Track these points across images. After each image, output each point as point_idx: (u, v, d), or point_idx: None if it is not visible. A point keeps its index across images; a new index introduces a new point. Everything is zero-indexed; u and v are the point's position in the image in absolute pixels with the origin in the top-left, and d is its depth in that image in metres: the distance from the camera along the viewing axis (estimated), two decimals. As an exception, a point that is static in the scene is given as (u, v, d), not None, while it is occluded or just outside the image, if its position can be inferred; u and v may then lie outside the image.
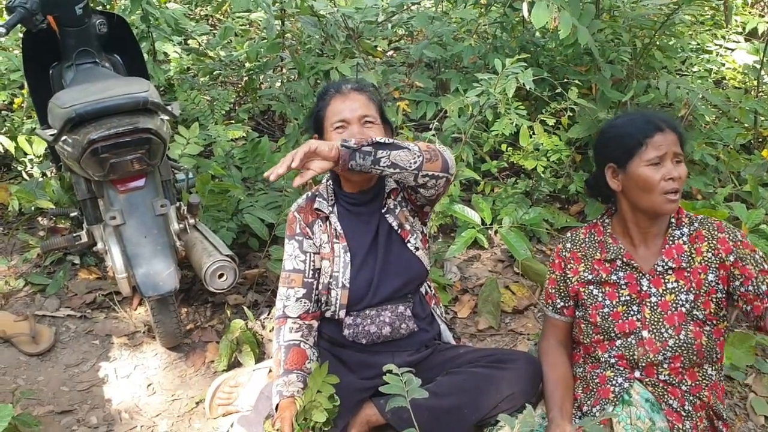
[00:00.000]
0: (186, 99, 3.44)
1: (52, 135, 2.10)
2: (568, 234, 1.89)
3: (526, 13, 2.43)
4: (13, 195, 3.01)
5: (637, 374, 1.71)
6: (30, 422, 1.96)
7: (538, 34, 3.48)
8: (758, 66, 3.58)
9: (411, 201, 1.93)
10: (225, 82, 4.24)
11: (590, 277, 1.78)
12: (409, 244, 1.91)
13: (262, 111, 4.03)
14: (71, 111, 1.99)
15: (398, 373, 1.27)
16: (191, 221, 2.35)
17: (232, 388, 2.11)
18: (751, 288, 1.59)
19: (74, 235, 2.47)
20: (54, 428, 2.09)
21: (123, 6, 3.55)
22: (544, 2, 2.42)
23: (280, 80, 3.78)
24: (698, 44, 4.34)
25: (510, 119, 2.64)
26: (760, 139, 3.54)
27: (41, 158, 3.33)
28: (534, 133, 2.97)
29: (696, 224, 1.72)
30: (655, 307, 1.69)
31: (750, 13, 5.04)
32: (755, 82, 3.68)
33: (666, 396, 1.67)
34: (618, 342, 1.73)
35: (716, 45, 4.48)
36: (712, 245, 1.67)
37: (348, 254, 1.89)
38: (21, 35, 2.57)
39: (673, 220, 1.73)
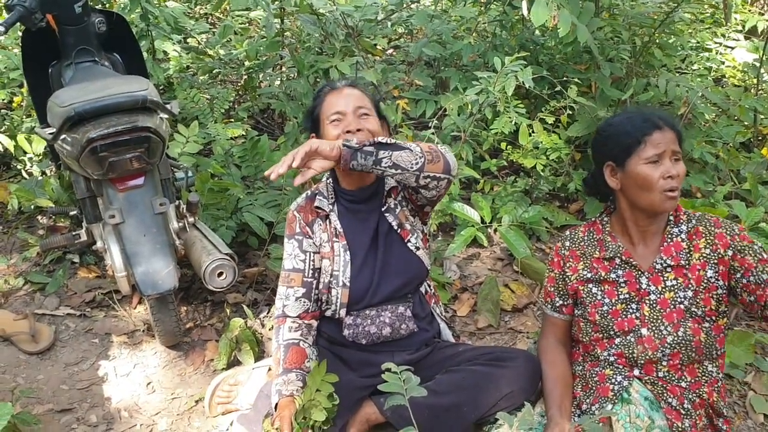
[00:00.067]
0: (185, 97, 3.44)
1: (51, 134, 2.10)
2: (567, 232, 1.89)
3: (525, 12, 2.43)
4: (12, 194, 3.01)
5: (636, 372, 1.71)
6: (29, 421, 1.96)
7: (537, 32, 3.47)
8: (758, 64, 3.58)
9: (411, 201, 1.93)
10: (224, 80, 4.23)
11: (589, 275, 1.78)
12: (409, 244, 1.91)
13: (262, 109, 4.03)
14: (70, 109, 1.99)
15: (397, 371, 1.27)
16: (190, 220, 2.36)
17: (232, 386, 2.11)
18: (752, 278, 1.60)
19: (74, 233, 2.47)
20: (53, 427, 2.09)
21: (122, 4, 3.54)
22: (543, 0, 2.41)
23: (279, 79, 3.78)
24: (698, 42, 4.33)
25: (509, 117, 2.64)
26: (760, 138, 3.54)
27: (41, 157, 3.33)
28: (533, 132, 2.97)
29: (694, 221, 1.72)
30: (654, 305, 1.69)
31: (749, 11, 5.04)
32: (755, 80, 3.68)
33: (665, 394, 1.67)
34: (617, 340, 1.73)
35: (716, 43, 4.48)
36: (709, 241, 1.68)
37: (348, 253, 1.89)
38: (20, 34, 2.56)
39: (671, 217, 1.73)
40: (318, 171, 1.59)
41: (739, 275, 1.63)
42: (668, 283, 1.69)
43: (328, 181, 1.97)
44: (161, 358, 2.39)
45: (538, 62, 3.37)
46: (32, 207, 3.06)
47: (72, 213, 2.75)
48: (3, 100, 3.68)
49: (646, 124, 1.66)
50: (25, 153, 3.32)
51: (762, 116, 3.46)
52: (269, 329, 2.43)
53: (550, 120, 2.89)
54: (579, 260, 1.82)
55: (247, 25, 4.87)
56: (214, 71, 3.99)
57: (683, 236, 1.71)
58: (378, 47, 3.66)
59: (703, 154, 3.00)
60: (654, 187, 1.63)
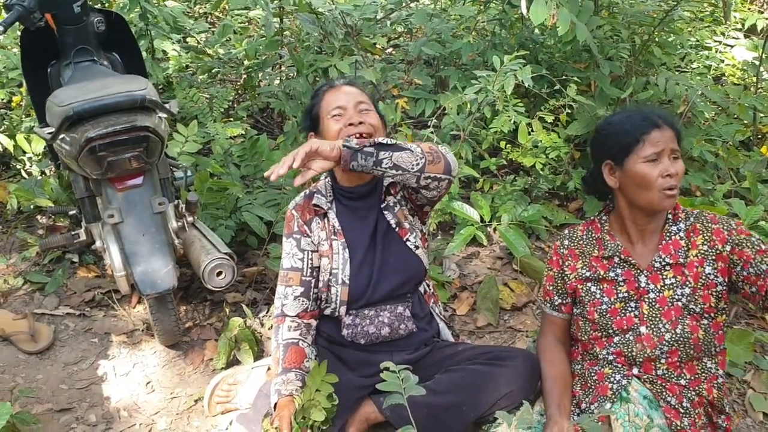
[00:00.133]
0: (185, 97, 3.44)
1: (50, 133, 2.10)
2: (566, 231, 1.89)
3: (524, 10, 2.42)
4: (11, 193, 3.01)
5: (635, 371, 1.71)
6: (29, 420, 1.96)
7: (536, 31, 3.47)
8: (757, 62, 3.57)
9: (411, 200, 1.93)
10: (224, 79, 4.23)
11: (588, 274, 1.78)
12: (408, 242, 1.91)
13: (261, 109, 4.03)
14: (69, 109, 1.99)
15: (395, 370, 1.27)
16: (190, 219, 2.36)
17: (231, 386, 2.11)
18: (752, 270, 1.60)
19: (73, 233, 2.47)
20: (53, 426, 2.09)
21: (121, 4, 3.54)
22: (542, -1, 2.41)
23: (278, 78, 3.78)
24: (697, 41, 4.33)
25: (509, 116, 2.64)
26: (759, 136, 3.54)
27: (40, 156, 3.33)
28: (533, 131, 2.96)
29: (692, 219, 1.72)
30: (653, 303, 1.69)
31: (749, 9, 5.03)
32: (754, 79, 3.68)
33: (664, 393, 1.67)
34: (616, 339, 1.73)
35: (715, 41, 4.47)
36: (707, 237, 1.68)
37: (347, 251, 1.89)
38: (19, 33, 2.56)
39: (670, 216, 1.73)
40: (318, 171, 1.59)
41: (739, 268, 1.63)
42: (667, 282, 1.69)
43: (326, 180, 1.96)
44: (160, 358, 2.39)
45: (538, 61, 3.37)
46: (31, 207, 3.06)
47: (71, 212, 2.75)
48: (2, 99, 3.68)
49: (645, 122, 1.66)
50: (25, 153, 3.32)
51: (761, 114, 3.46)
52: (268, 328, 2.43)
53: (550, 119, 2.89)
54: (578, 259, 1.81)
55: (247, 24, 4.86)
56: (213, 70, 3.99)
57: (682, 234, 1.71)
58: (377, 46, 3.66)
59: (703, 153, 3.00)
60: (652, 185, 1.63)
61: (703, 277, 1.67)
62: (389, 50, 4.47)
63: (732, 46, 4.47)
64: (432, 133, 2.66)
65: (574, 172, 3.07)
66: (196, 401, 2.18)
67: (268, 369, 2.09)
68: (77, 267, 2.85)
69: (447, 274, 2.74)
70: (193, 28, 4.29)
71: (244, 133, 3.34)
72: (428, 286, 2.07)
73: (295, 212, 1.95)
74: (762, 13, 4.88)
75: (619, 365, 1.73)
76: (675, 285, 1.68)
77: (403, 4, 3.65)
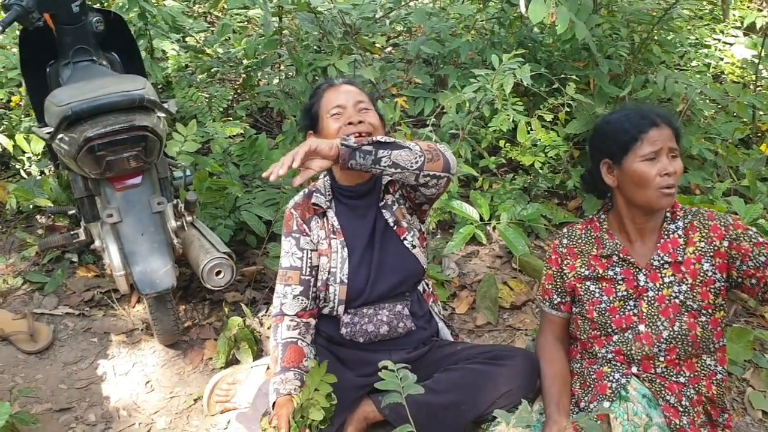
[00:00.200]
0: (184, 96, 3.44)
1: (48, 133, 2.10)
2: (565, 230, 1.89)
3: (523, 9, 2.42)
4: (11, 193, 3.01)
5: (634, 370, 1.71)
6: (28, 420, 1.96)
7: (535, 29, 3.47)
8: (756, 60, 3.57)
9: (410, 199, 1.93)
10: (223, 79, 4.23)
11: (587, 272, 1.78)
12: (405, 242, 1.91)
13: (260, 108, 4.02)
14: (67, 109, 1.99)
15: (394, 369, 1.27)
16: (188, 218, 2.36)
17: (230, 385, 2.11)
18: (750, 263, 1.60)
19: (72, 233, 2.47)
20: (52, 426, 2.09)
21: (120, 3, 3.53)
22: (541, -3, 2.41)
23: (277, 77, 3.78)
24: (696, 39, 4.33)
25: (507, 115, 2.64)
26: (759, 134, 3.54)
27: (39, 156, 3.33)
28: (532, 129, 2.96)
29: (689, 216, 1.72)
30: (652, 302, 1.69)
31: (748, 7, 5.03)
32: (753, 77, 3.68)
33: (663, 392, 1.67)
34: (615, 337, 1.73)
35: (714, 39, 4.48)
36: (704, 234, 1.68)
37: (345, 249, 1.89)
38: (18, 33, 2.56)
39: (668, 214, 1.73)
40: (317, 171, 1.59)
41: (738, 263, 1.63)
42: (666, 280, 1.69)
43: (325, 179, 1.97)
44: (160, 357, 2.40)
45: (537, 59, 3.37)
46: (31, 206, 3.06)
47: (70, 212, 2.75)
48: (1, 99, 3.68)
49: (643, 121, 1.66)
50: (24, 152, 3.32)
51: (761, 112, 3.46)
52: (268, 328, 2.43)
53: (549, 117, 2.89)
54: (576, 258, 1.81)
55: (246, 23, 4.86)
56: (212, 70, 3.99)
57: (680, 232, 1.71)
58: (376, 45, 3.65)
59: (702, 151, 3.00)
60: (650, 184, 1.63)
61: (701, 274, 1.67)
62: (388, 49, 4.47)
63: (731, 44, 4.48)
64: (431, 132, 2.66)
65: (573, 170, 3.07)
66: (195, 400, 2.19)
67: (268, 368, 2.09)
68: (76, 267, 2.85)
69: (446, 273, 2.74)
70: (192, 27, 4.29)
71: (243, 132, 3.33)
72: (427, 284, 2.07)
73: (294, 211, 1.95)
74: (761, 11, 4.88)
75: (618, 364, 1.73)
76: (673, 283, 1.68)
77: (402, 3, 3.65)
